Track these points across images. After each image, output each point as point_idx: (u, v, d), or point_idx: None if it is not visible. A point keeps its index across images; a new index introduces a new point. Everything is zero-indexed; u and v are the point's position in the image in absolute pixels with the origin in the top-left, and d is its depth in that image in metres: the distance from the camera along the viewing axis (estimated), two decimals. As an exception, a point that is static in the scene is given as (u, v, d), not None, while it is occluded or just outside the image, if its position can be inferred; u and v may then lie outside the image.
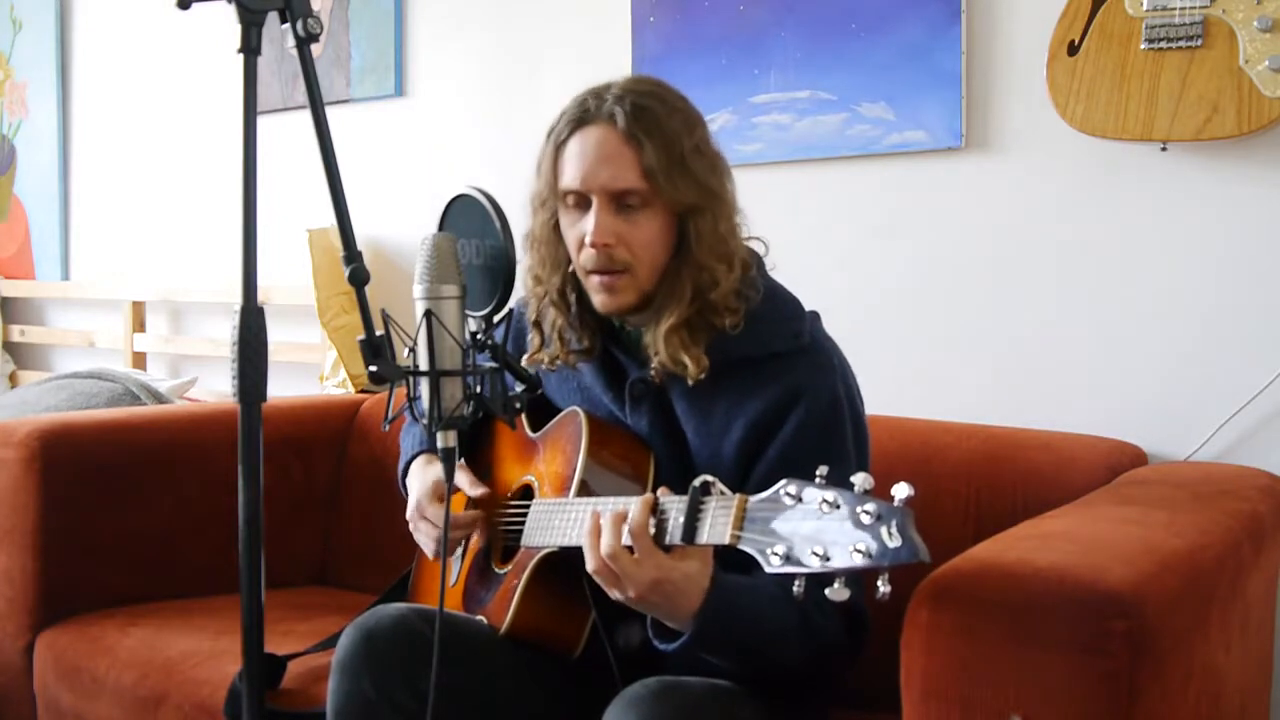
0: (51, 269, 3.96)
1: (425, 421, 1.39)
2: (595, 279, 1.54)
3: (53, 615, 2.24)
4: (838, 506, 1.12)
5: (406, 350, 1.41)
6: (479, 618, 1.59)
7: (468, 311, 1.48)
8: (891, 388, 2.13)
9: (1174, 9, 1.86)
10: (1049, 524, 1.47)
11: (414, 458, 1.81)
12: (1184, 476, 1.78)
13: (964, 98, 2.14)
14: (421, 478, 1.73)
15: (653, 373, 1.55)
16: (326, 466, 2.62)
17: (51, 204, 3.95)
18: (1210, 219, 1.95)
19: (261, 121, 1.25)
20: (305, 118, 1.34)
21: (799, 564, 1.12)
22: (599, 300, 1.56)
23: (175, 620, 2.20)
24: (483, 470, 1.77)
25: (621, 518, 1.33)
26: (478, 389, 1.41)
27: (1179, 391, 1.99)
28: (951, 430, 1.98)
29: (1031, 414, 2.06)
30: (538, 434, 1.67)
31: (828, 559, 1.10)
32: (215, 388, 3.35)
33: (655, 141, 1.49)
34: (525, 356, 1.67)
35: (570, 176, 1.53)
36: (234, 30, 1.23)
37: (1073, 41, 1.95)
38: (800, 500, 1.15)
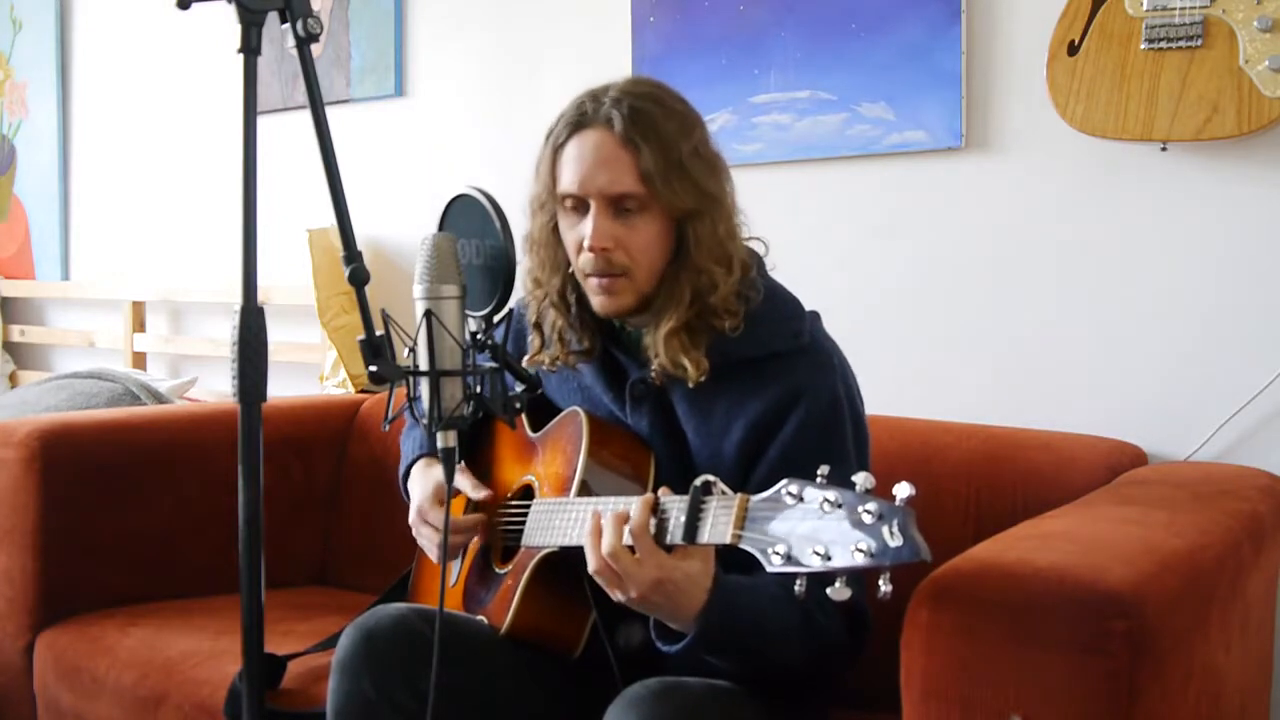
0: (51, 269, 3.96)
1: (425, 421, 1.39)
2: (594, 282, 1.54)
3: (53, 615, 2.24)
4: (839, 506, 1.12)
5: (406, 350, 1.41)
6: (479, 618, 1.59)
7: (468, 311, 1.48)
8: (891, 388, 2.13)
9: (1174, 9, 1.86)
10: (1049, 524, 1.47)
11: (414, 461, 1.81)
12: (1184, 476, 1.78)
13: (964, 98, 2.14)
14: (423, 482, 1.73)
15: (653, 375, 1.55)
16: (326, 466, 2.61)
17: (51, 204, 3.95)
18: (1210, 219, 1.95)
19: (261, 121, 1.25)
20: (305, 118, 1.34)
21: (800, 563, 1.12)
22: (597, 303, 1.56)
23: (175, 620, 2.20)
24: (483, 470, 1.77)
25: (623, 518, 1.33)
26: (478, 389, 1.41)
27: (1179, 391, 1.99)
28: (951, 430, 1.98)
29: (1031, 414, 2.06)
30: (538, 434, 1.67)
31: (829, 558, 1.10)
32: (215, 388, 3.35)
33: (652, 145, 1.49)
34: (526, 358, 1.67)
35: (568, 181, 1.53)
36: (234, 30, 1.23)
37: (1073, 41, 1.95)
38: (801, 500, 1.15)
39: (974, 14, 2.14)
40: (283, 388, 3.07)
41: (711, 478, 1.28)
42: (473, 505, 1.69)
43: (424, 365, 1.39)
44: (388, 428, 1.67)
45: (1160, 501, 1.58)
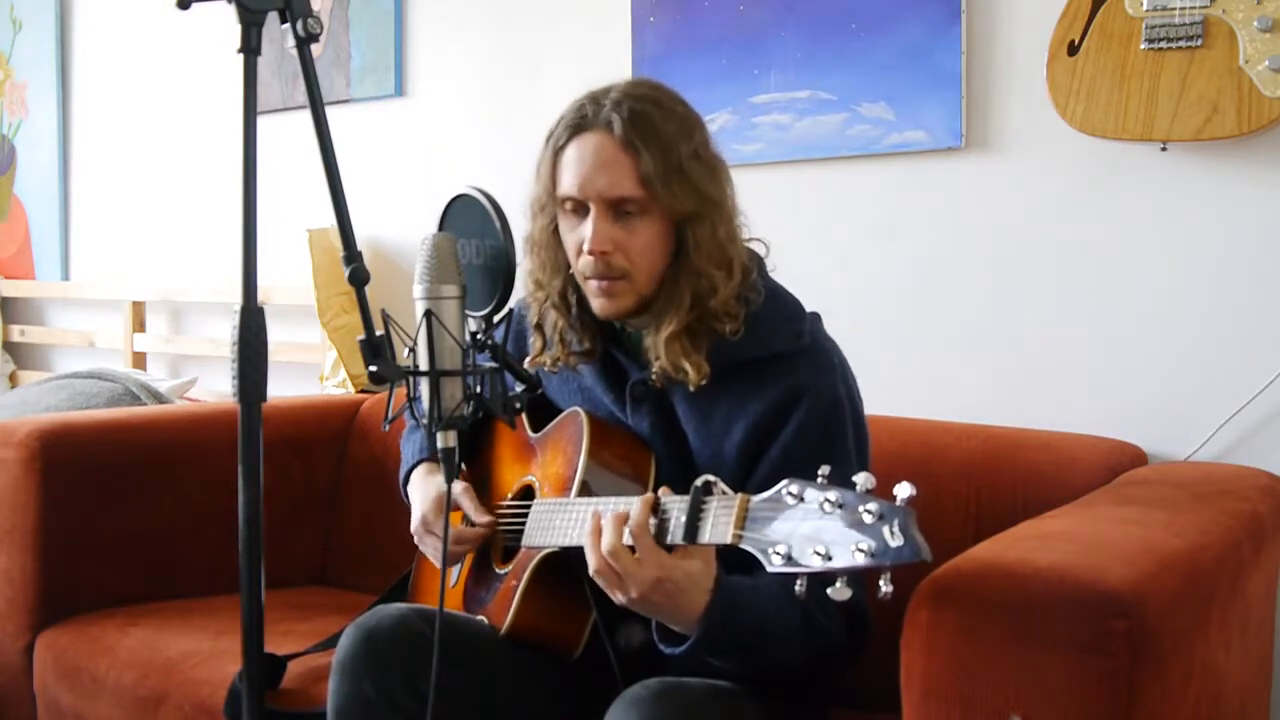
0: (51, 269, 3.96)
1: (425, 422, 1.39)
2: (593, 284, 1.54)
3: (53, 615, 2.24)
4: (840, 506, 1.12)
5: (406, 350, 1.41)
6: (479, 618, 1.59)
7: (468, 311, 1.48)
8: (891, 388, 2.13)
9: (1174, 9, 1.86)
10: (1049, 524, 1.47)
11: (415, 466, 1.81)
12: (1184, 476, 1.78)
13: (964, 98, 2.14)
14: (424, 489, 1.73)
15: (654, 377, 1.55)
16: (326, 466, 2.61)
17: (51, 204, 3.95)
18: (1210, 219, 1.95)
19: (261, 121, 1.25)
20: (305, 118, 1.34)
21: (801, 564, 1.12)
22: (597, 305, 1.56)
23: (175, 620, 2.20)
24: (483, 471, 1.77)
25: (623, 518, 1.33)
26: (478, 389, 1.41)
27: (1179, 391, 1.99)
28: (951, 430, 1.98)
29: (1031, 414, 2.06)
30: (538, 434, 1.67)
31: (829, 558, 1.10)
32: (215, 388, 3.35)
33: (652, 149, 1.49)
34: (527, 359, 1.67)
35: (568, 184, 1.53)
36: (234, 30, 1.23)
37: (1073, 41, 1.95)
38: (802, 500, 1.15)
39: (974, 14, 2.14)
40: (283, 388, 3.07)
41: (712, 478, 1.28)
42: (471, 524, 1.68)
43: (424, 365, 1.39)
44: (388, 428, 1.66)
45: (1160, 501, 1.58)
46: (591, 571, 1.34)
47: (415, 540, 1.73)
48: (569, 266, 1.58)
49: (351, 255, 1.31)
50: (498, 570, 1.65)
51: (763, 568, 1.16)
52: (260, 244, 1.23)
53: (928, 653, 1.24)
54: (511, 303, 1.57)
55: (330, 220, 1.34)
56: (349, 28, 3.04)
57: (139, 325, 3.58)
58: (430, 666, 1.35)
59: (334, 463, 2.62)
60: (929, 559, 1.06)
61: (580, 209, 1.54)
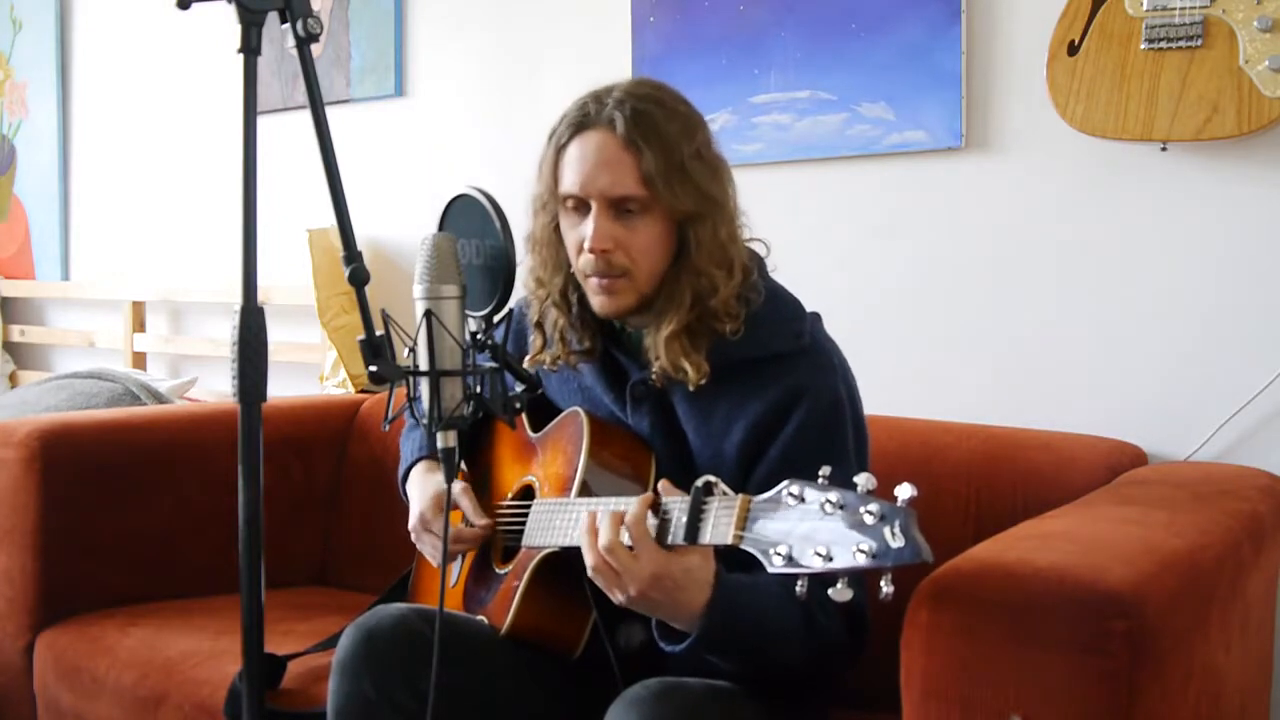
0: (51, 269, 3.96)
1: (425, 421, 1.39)
2: (594, 282, 1.54)
3: (53, 615, 2.24)
4: (841, 507, 1.12)
5: (406, 350, 1.41)
6: (479, 618, 1.58)
7: (468, 311, 1.48)
8: (891, 388, 2.13)
9: (1174, 9, 1.86)
10: (1049, 524, 1.47)
11: (414, 464, 1.81)
12: (1184, 476, 1.78)
13: (964, 98, 2.14)
14: (422, 487, 1.73)
15: (653, 377, 1.55)
16: (326, 466, 2.61)
17: (51, 204, 3.94)
18: (1210, 219, 1.95)
19: (261, 121, 1.25)
20: (305, 118, 1.34)
21: (801, 564, 1.12)
22: (597, 303, 1.56)
23: (175, 620, 2.20)
24: (483, 471, 1.77)
25: (619, 516, 1.33)
26: (478, 389, 1.41)
27: (1179, 391, 1.99)
28: (951, 430, 1.98)
29: (1031, 414, 2.06)
30: (538, 434, 1.67)
31: (830, 559, 1.10)
32: (215, 388, 3.35)
33: (655, 148, 1.49)
34: (527, 357, 1.67)
35: (570, 181, 1.53)
36: (234, 30, 1.23)
37: (1073, 41, 1.95)
38: (803, 501, 1.15)
39: (974, 14, 2.14)
40: (283, 388, 3.07)
41: (713, 478, 1.28)
42: (470, 525, 1.68)
43: (424, 365, 1.39)
44: (388, 428, 1.67)
45: (1160, 501, 1.58)
46: (589, 570, 1.34)
47: (413, 538, 1.72)
48: (570, 265, 1.58)
49: (351, 255, 1.31)
50: (498, 570, 1.65)
51: (763, 568, 1.16)
52: (260, 244, 1.23)
53: (928, 653, 1.24)
54: (511, 303, 1.56)
55: (330, 220, 1.34)
56: (349, 28, 3.04)
57: (139, 325, 3.58)
58: (430, 666, 1.35)
59: (334, 463, 2.62)
60: (930, 560, 1.06)
61: (582, 207, 1.54)
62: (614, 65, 2.49)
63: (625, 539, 1.31)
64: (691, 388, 1.51)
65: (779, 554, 1.14)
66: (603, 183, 1.50)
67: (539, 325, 1.66)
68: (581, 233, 1.53)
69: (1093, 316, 2.06)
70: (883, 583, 1.08)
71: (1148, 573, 1.25)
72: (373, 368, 1.35)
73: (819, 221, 2.33)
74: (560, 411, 1.65)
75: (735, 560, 1.26)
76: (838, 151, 2.29)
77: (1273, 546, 1.62)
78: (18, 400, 3.12)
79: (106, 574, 2.31)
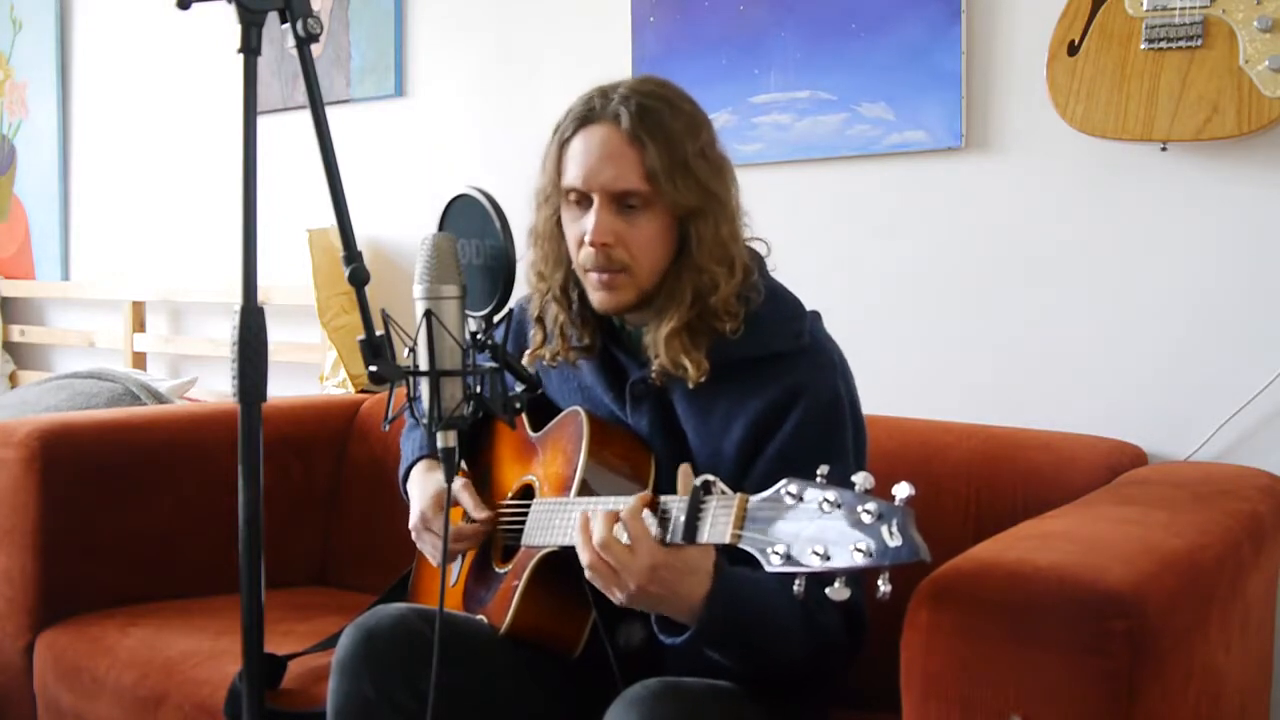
0: (51, 269, 3.96)
1: (425, 421, 1.39)
2: (593, 277, 1.54)
3: (53, 615, 2.24)
4: (838, 506, 1.12)
5: (406, 350, 1.41)
6: (479, 617, 1.58)
7: (468, 311, 1.48)
8: (891, 388, 2.13)
9: (1174, 9, 1.86)
10: (1049, 524, 1.47)
11: (414, 463, 1.81)
12: (1184, 476, 1.78)
13: (964, 98, 2.14)
14: (422, 486, 1.73)
15: (653, 375, 1.55)
16: (326, 466, 2.61)
17: (51, 204, 3.95)
18: (1210, 219, 1.95)
19: (261, 121, 1.25)
20: (305, 118, 1.34)
21: (799, 563, 1.12)
22: (597, 298, 1.56)
23: (175, 620, 2.20)
24: (483, 471, 1.77)
25: (614, 514, 1.32)
26: (478, 389, 1.41)
27: (1179, 391, 1.99)
28: (951, 430, 1.98)
29: (1031, 414, 2.06)
30: (538, 434, 1.67)
31: (828, 558, 1.10)
32: (215, 388, 3.35)
33: (659, 143, 1.49)
34: (527, 352, 1.67)
35: (572, 175, 1.53)
36: (234, 30, 1.23)
37: (1073, 41, 1.95)
38: (801, 500, 1.15)
39: (974, 14, 2.14)
40: (283, 388, 3.07)
41: (711, 477, 1.28)
42: (471, 521, 1.68)
43: (424, 365, 1.39)
44: (388, 428, 1.67)
45: (1160, 501, 1.58)
46: (585, 568, 1.34)
47: (413, 537, 1.72)
48: (571, 260, 1.58)
49: (351, 255, 1.31)
50: (497, 570, 1.65)
51: (761, 567, 1.16)
52: (260, 244, 1.23)
53: (928, 653, 1.24)
54: (511, 303, 1.56)
55: (330, 220, 1.34)
56: (349, 28, 3.04)
57: (139, 325, 3.58)
58: (430, 666, 1.35)
59: (334, 463, 2.62)
60: (928, 559, 1.06)
61: (584, 201, 1.54)
62: (614, 65, 2.49)
63: (622, 536, 1.31)
64: (691, 385, 1.51)
65: (777, 553, 1.14)
66: (605, 177, 1.50)
67: (539, 320, 1.66)
68: (583, 227, 1.53)
69: (1093, 316, 2.06)
70: (880, 582, 1.08)
71: (1148, 573, 1.25)
72: (373, 368, 1.35)
73: (819, 221, 2.33)
74: (560, 411, 1.65)
75: (734, 560, 1.26)
76: (838, 151, 2.29)
77: (1273, 546, 1.62)
78: (18, 400, 3.12)
79: (106, 574, 2.31)
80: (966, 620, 1.22)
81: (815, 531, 1.12)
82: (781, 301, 1.57)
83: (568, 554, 1.45)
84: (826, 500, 1.12)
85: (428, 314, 1.39)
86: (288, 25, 1.27)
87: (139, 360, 3.56)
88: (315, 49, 1.31)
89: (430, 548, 1.70)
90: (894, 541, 1.06)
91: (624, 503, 1.34)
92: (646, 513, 1.31)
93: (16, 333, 3.98)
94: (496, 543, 1.69)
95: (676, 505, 1.30)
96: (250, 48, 1.23)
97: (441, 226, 1.57)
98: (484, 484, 1.75)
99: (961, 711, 1.21)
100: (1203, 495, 1.62)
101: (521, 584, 1.52)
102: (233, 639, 2.05)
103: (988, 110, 2.14)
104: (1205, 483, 1.71)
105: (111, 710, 2.06)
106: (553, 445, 1.62)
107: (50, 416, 2.49)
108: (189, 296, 3.47)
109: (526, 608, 1.52)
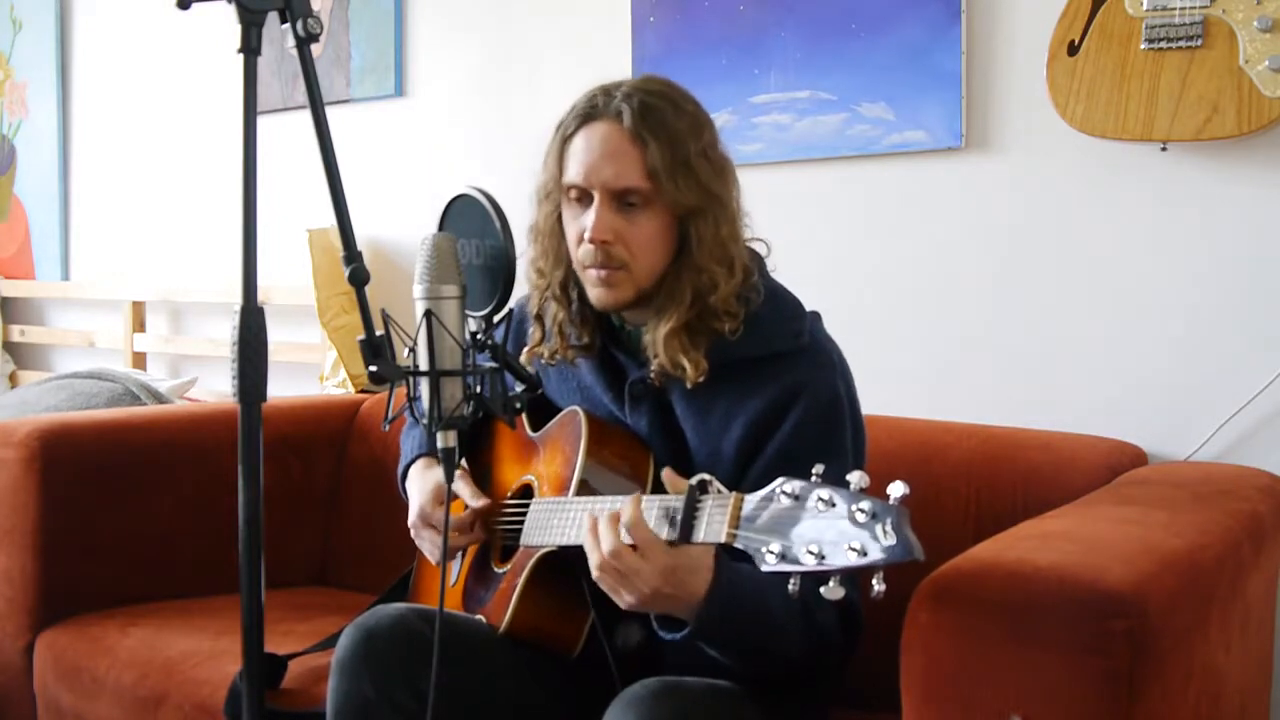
0: (51, 269, 3.96)
1: (425, 422, 1.39)
2: (592, 273, 1.54)
3: (53, 615, 2.24)
4: (833, 505, 1.12)
5: (406, 350, 1.41)
6: (478, 617, 1.58)
7: (468, 311, 1.48)
8: (891, 388, 2.13)
9: (1174, 9, 1.86)
10: (1049, 524, 1.47)
11: (413, 461, 1.81)
12: (1184, 476, 1.78)
13: (964, 98, 2.14)
14: (421, 483, 1.73)
15: (652, 375, 1.55)
16: (326, 466, 2.61)
17: (51, 204, 3.95)
18: (1210, 219, 1.95)
19: (261, 121, 1.25)
20: (305, 118, 1.34)
21: (795, 562, 1.12)
22: (595, 295, 1.56)
23: (175, 620, 2.20)
24: (482, 470, 1.77)
25: (618, 517, 1.32)
26: (478, 389, 1.41)
27: (1179, 391, 1.99)
28: (951, 430, 1.98)
29: (1031, 414, 2.05)
30: (537, 434, 1.67)
31: (823, 557, 1.10)
32: (215, 388, 3.35)
33: (661, 142, 1.49)
34: (525, 349, 1.67)
35: (574, 171, 1.53)
36: (234, 30, 1.23)
37: (1073, 41, 1.95)
38: (796, 499, 1.15)
39: (974, 14, 2.14)
40: (283, 388, 3.07)
41: (707, 476, 1.28)
42: (471, 511, 1.68)
43: (424, 365, 1.39)
44: (388, 428, 1.67)
45: (1160, 501, 1.58)
46: (594, 571, 1.34)
47: (412, 535, 1.72)
48: (571, 257, 1.58)
49: (351, 255, 1.31)
50: (496, 569, 1.65)
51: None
52: (260, 244, 1.23)
53: (928, 653, 1.24)
54: (512, 302, 1.56)
55: (330, 220, 1.34)
56: (349, 28, 3.04)
57: (139, 325, 3.58)
58: (430, 666, 1.35)
59: (334, 463, 2.62)
60: (921, 558, 1.06)
61: (585, 197, 1.54)
62: (614, 65, 2.49)
63: (626, 539, 1.31)
64: (689, 385, 1.51)
65: (772, 552, 1.14)
66: (607, 174, 1.50)
67: (538, 318, 1.66)
68: (583, 223, 1.53)
69: (1093, 316, 2.06)
70: (874, 581, 1.08)
71: (1148, 573, 1.25)
72: (373, 368, 1.35)
73: (819, 221, 2.33)
74: (559, 410, 1.65)
75: (735, 555, 1.26)
76: (838, 151, 2.29)
77: (1273, 546, 1.61)
78: (18, 400, 3.12)
79: (106, 574, 2.31)
80: (966, 620, 1.22)
81: (810, 531, 1.12)
82: (781, 302, 1.57)
83: (566, 554, 1.45)
84: (822, 499, 1.12)
85: (428, 314, 1.39)
86: (288, 25, 1.27)
87: (139, 360, 3.56)
88: (315, 49, 1.31)
89: (429, 544, 1.70)
90: (888, 540, 1.06)
91: (624, 503, 1.34)
92: (656, 515, 1.31)
93: (16, 333, 3.98)
94: (495, 542, 1.69)
95: (673, 505, 1.30)
96: (250, 48, 1.23)
97: (441, 226, 1.57)
98: (483, 483, 1.75)
99: (961, 711, 1.21)
100: (1203, 495, 1.62)
101: (520, 584, 1.52)
102: (233, 639, 2.05)
103: (988, 110, 2.14)
104: (1205, 483, 1.71)
105: (111, 710, 2.06)
106: (552, 445, 1.62)
107: (50, 416, 2.49)
108: (189, 296, 3.47)
109: (525, 607, 1.52)
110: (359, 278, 1.30)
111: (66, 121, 3.92)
